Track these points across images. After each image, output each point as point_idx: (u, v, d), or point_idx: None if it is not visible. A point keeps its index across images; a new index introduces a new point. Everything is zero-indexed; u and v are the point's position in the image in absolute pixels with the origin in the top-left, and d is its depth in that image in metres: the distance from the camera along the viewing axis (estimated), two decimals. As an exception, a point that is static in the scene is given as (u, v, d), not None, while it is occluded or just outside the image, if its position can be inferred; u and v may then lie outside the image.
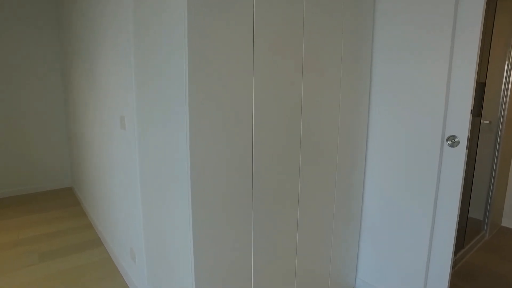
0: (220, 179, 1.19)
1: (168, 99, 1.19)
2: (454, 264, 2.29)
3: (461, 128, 1.46)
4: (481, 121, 2.62)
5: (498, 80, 2.58)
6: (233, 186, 1.23)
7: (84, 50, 2.44)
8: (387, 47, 1.64)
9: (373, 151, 1.78)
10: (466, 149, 1.46)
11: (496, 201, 2.78)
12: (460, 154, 1.48)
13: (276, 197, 1.39)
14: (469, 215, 2.88)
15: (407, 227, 1.68)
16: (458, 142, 1.48)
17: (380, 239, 1.80)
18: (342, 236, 1.78)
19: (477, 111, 2.44)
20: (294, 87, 1.36)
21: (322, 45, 1.44)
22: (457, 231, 2.51)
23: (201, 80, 1.07)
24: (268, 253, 1.41)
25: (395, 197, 1.71)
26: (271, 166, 1.35)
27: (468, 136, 1.45)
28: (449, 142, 1.51)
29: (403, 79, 1.61)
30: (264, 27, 1.21)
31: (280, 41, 1.27)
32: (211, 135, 1.14)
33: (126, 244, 1.96)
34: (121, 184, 1.90)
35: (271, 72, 1.27)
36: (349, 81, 1.62)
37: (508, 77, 2.52)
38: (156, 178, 1.39)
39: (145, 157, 1.50)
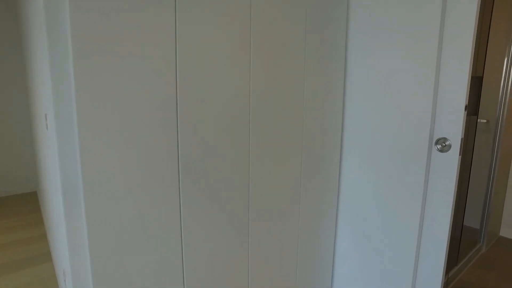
0: (129, 185, 0.90)
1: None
2: (447, 284, 2.01)
3: (453, 129, 1.18)
4: (478, 120, 2.34)
5: (496, 75, 2.30)
6: (150, 190, 0.94)
7: (26, 42, 2.14)
8: (364, 32, 1.35)
9: (348, 156, 1.49)
10: (459, 155, 1.18)
11: (494, 208, 2.50)
12: (451, 160, 1.19)
13: (215, 203, 1.10)
14: (466, 224, 2.60)
15: (389, 247, 1.39)
16: (450, 146, 1.19)
17: (358, 257, 1.52)
18: (311, 257, 1.50)
19: (473, 109, 2.16)
20: (238, 70, 1.07)
21: (279, 21, 1.15)
22: (451, 244, 2.24)
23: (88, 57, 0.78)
24: (206, 272, 1.12)
25: (374, 212, 1.42)
26: (208, 166, 1.06)
27: (461, 139, 1.16)
28: (439, 146, 1.22)
29: (384, 70, 1.32)
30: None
31: (218, 8, 0.98)
32: (114, 136, 0.84)
33: (60, 263, 1.67)
34: (54, 192, 1.61)
35: (203, 48, 0.97)
36: (317, 69, 1.32)
37: (508, 72, 2.24)
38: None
39: (66, 163, 1.20)
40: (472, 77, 2.27)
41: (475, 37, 1.11)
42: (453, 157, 1.18)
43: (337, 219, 1.58)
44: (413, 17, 1.20)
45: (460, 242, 2.19)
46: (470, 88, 2.35)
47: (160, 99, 0.90)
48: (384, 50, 1.30)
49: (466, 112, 1.16)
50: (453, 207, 1.22)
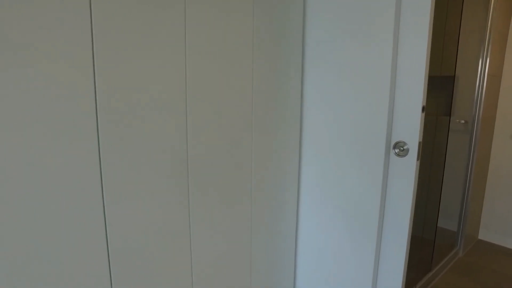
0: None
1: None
2: (420, 291, 1.94)
3: (411, 132, 1.09)
4: (450, 120, 2.28)
5: (471, 75, 2.24)
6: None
7: None
8: (320, 25, 1.26)
9: (307, 160, 1.40)
10: (417, 159, 1.10)
11: (472, 211, 2.45)
12: (409, 165, 1.11)
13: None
14: (443, 227, 2.54)
15: (346, 257, 1.30)
16: (408, 151, 1.11)
17: (317, 273, 1.43)
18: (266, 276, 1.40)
19: (447, 109, 2.09)
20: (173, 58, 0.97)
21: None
22: (425, 248, 2.17)
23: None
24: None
25: (332, 220, 1.34)
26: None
27: (419, 142, 1.08)
28: (397, 151, 1.14)
29: (341, 66, 1.23)
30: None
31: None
32: None
33: None
34: None
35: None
36: (268, 63, 1.23)
37: (483, 72, 2.18)
38: None
39: None
40: (443, 76, 2.20)
41: (431, 35, 1.03)
42: (411, 162, 1.10)
43: (297, 237, 1.49)
44: (369, 9, 1.11)
45: (434, 246, 2.13)
46: (442, 87, 2.29)
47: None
48: (343, 44, 1.21)
49: (423, 114, 1.08)
50: (412, 214, 1.14)
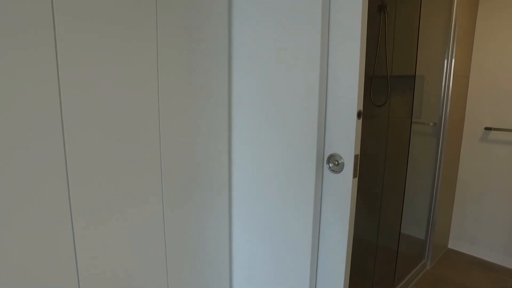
0: None
1: None
2: (381, 312, 1.76)
3: (345, 143, 0.89)
4: (412, 122, 2.12)
5: (437, 74, 2.09)
6: None
7: None
8: (245, 10, 1.05)
9: (238, 175, 1.19)
10: (354, 176, 0.90)
11: (441, 218, 2.30)
12: (345, 183, 0.91)
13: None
14: (411, 235, 2.38)
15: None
16: (343, 165, 0.91)
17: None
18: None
19: (408, 111, 1.93)
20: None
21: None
22: (388, 262, 2.00)
23: None
24: None
25: (263, 247, 1.13)
26: None
27: (356, 155, 0.88)
28: (331, 165, 0.94)
29: (260, 63, 1.02)
30: None
31: None
32: None
33: None
34: None
35: None
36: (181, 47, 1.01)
37: (448, 72, 2.03)
38: None
39: None
40: (401, 76, 2.04)
41: (365, 24, 0.84)
42: (346, 179, 0.90)
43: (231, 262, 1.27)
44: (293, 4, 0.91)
45: (397, 258, 1.96)
46: (403, 87, 2.13)
47: None
48: (267, 37, 1.01)
49: (360, 120, 0.88)
50: (350, 241, 0.95)
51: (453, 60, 2.00)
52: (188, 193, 1.08)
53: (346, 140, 0.89)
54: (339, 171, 0.92)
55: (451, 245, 2.49)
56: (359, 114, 0.87)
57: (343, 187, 0.91)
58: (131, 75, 0.88)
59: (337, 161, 0.92)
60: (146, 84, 0.91)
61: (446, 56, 2.02)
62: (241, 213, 1.20)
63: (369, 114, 2.47)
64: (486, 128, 2.25)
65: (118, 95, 0.86)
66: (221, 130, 1.14)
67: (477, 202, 2.34)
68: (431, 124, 2.24)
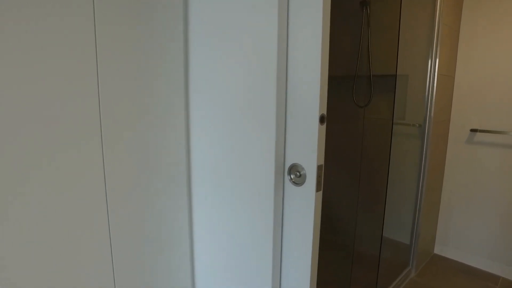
0: None
1: None
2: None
3: (307, 152, 0.78)
4: (396, 123, 2.03)
5: (421, 74, 2.00)
6: None
7: None
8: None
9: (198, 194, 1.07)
10: (318, 190, 0.79)
11: (426, 223, 2.22)
12: (307, 197, 0.80)
13: None
14: (397, 240, 2.29)
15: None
16: (305, 177, 0.80)
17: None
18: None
19: (389, 111, 1.83)
20: None
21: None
22: (371, 270, 1.91)
23: None
24: None
25: (224, 264, 1.01)
26: None
27: (318, 166, 0.77)
28: (292, 176, 0.83)
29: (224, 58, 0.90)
30: None
31: None
32: None
33: None
34: None
35: None
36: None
37: (432, 71, 1.94)
38: None
39: None
40: (383, 75, 1.95)
41: (328, 15, 0.72)
42: (309, 192, 0.79)
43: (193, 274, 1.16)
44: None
45: (379, 268, 1.86)
46: (386, 87, 2.04)
47: None
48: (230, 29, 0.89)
49: (323, 126, 0.77)
50: (315, 259, 0.83)
51: (437, 59, 1.92)
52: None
53: (307, 148, 0.77)
54: (301, 183, 0.80)
55: (437, 250, 2.41)
56: (322, 119, 0.76)
57: (305, 202, 0.80)
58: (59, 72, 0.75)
59: (299, 172, 0.81)
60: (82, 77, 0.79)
61: (430, 54, 1.93)
62: (203, 234, 1.09)
63: (352, 116, 2.37)
64: (472, 130, 2.17)
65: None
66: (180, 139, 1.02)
67: (463, 205, 2.26)
68: (417, 125, 2.15)
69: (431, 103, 1.99)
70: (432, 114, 1.99)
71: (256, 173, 0.86)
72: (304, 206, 0.80)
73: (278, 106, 0.79)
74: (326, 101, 0.76)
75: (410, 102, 2.13)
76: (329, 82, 0.76)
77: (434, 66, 1.94)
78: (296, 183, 0.82)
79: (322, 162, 0.78)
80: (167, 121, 0.98)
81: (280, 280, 0.90)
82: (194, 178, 1.08)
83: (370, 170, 2.26)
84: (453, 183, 2.30)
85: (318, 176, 0.78)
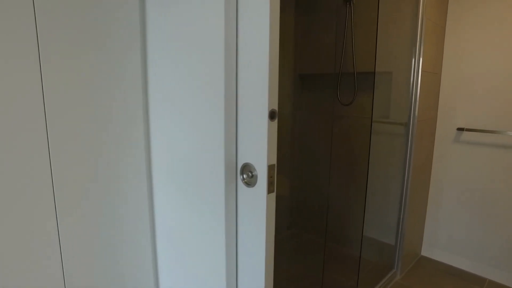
0: None
1: None
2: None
3: (258, 151, 0.73)
4: (381, 122, 1.98)
5: (405, 71, 1.95)
6: None
7: None
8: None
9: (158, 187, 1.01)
10: (270, 192, 0.73)
11: (413, 224, 2.16)
12: (258, 199, 0.74)
13: None
14: (380, 240, 2.23)
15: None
16: (256, 178, 0.74)
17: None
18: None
19: (367, 108, 1.78)
20: None
21: None
22: (349, 273, 1.85)
23: None
24: None
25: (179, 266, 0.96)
26: None
27: (269, 166, 0.72)
28: (244, 176, 0.77)
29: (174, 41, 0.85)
30: None
31: None
32: None
33: None
34: None
35: None
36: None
37: (416, 68, 1.89)
38: None
39: None
40: (366, 72, 1.90)
41: (277, 18, 0.67)
42: (259, 194, 0.73)
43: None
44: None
45: (359, 270, 1.81)
46: (370, 85, 1.99)
47: None
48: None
49: (274, 122, 0.71)
50: (270, 260, 0.78)
51: (421, 56, 1.86)
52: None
53: (258, 147, 0.72)
54: (253, 184, 0.75)
55: (425, 252, 2.36)
56: (272, 115, 0.70)
57: (257, 204, 0.74)
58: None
59: (251, 173, 0.75)
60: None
61: (414, 51, 1.88)
62: (164, 237, 1.03)
63: (337, 114, 2.32)
64: (459, 129, 2.12)
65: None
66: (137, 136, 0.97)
67: (451, 206, 2.21)
68: (403, 124, 2.10)
69: (415, 101, 1.94)
70: (416, 112, 1.94)
71: (210, 175, 0.81)
72: (257, 208, 0.75)
73: (228, 103, 0.74)
74: (276, 96, 0.71)
75: (394, 100, 2.07)
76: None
77: (418, 63, 1.88)
78: (248, 184, 0.76)
79: (274, 162, 0.72)
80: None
81: (237, 283, 0.85)
82: (155, 182, 1.02)
83: (350, 168, 2.21)
84: (440, 183, 2.25)
85: (270, 177, 0.72)
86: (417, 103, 1.93)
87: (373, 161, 2.12)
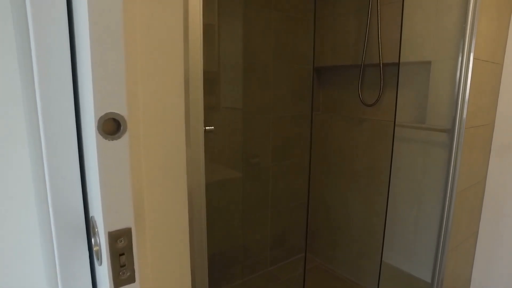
0: None
1: None
2: None
3: (97, 199, 0.36)
4: (397, 125, 1.51)
5: (450, 59, 1.45)
6: None
7: None
8: None
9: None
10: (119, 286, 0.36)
11: (455, 260, 1.65)
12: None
13: None
14: (409, 273, 1.74)
15: None
16: (100, 252, 0.37)
17: None
18: None
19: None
20: None
21: None
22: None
23: None
24: None
25: None
26: None
27: (111, 233, 0.34)
28: (94, 241, 0.41)
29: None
30: None
31: None
32: None
33: None
34: None
35: None
36: None
37: (467, 55, 1.38)
38: None
39: None
40: (388, 63, 1.43)
41: None
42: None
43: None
44: None
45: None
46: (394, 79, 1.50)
47: None
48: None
49: (119, 141, 0.34)
50: None
51: (474, 38, 1.35)
52: None
53: (95, 191, 0.36)
54: (99, 261, 0.39)
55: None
56: (107, 127, 0.34)
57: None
58: None
59: (99, 238, 0.39)
60: None
61: (463, 30, 1.37)
62: None
63: (359, 117, 1.86)
64: (526, 139, 1.56)
65: None
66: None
67: (510, 239, 1.66)
68: (444, 131, 1.58)
69: (463, 101, 1.43)
70: (464, 115, 1.43)
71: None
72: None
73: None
74: (124, 91, 0.34)
75: (433, 100, 1.57)
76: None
77: (469, 48, 1.37)
78: (97, 258, 0.40)
79: (128, 225, 0.36)
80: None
81: None
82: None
83: (367, 182, 1.75)
84: (498, 210, 1.70)
85: (116, 253, 0.36)
86: (466, 103, 1.41)
87: (400, 176, 1.65)
